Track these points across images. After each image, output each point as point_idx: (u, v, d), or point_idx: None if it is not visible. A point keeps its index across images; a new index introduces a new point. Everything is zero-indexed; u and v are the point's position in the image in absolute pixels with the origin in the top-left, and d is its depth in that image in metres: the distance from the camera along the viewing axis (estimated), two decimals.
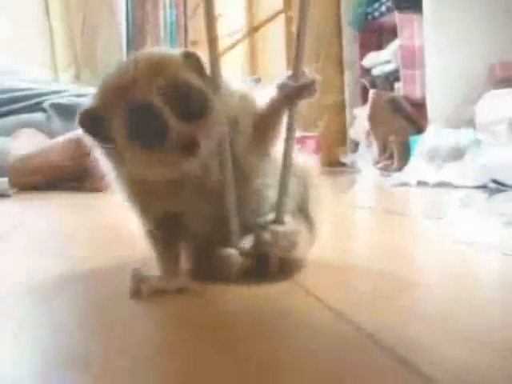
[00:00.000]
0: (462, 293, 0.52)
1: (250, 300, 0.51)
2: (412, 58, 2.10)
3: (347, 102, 2.45)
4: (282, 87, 0.52)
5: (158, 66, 0.48)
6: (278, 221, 0.54)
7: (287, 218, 0.54)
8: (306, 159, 0.61)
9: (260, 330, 0.43)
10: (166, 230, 0.55)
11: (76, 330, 0.44)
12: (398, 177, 1.58)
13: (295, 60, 0.52)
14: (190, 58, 0.50)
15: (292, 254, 0.54)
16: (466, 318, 0.44)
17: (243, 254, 0.53)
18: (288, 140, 0.54)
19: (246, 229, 0.54)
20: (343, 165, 2.18)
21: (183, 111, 0.47)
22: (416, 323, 0.43)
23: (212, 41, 0.50)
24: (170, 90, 0.47)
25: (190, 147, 0.47)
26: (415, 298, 0.52)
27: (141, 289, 0.51)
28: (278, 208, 0.54)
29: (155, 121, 0.46)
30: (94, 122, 0.49)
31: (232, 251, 0.53)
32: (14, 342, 0.42)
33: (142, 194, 0.54)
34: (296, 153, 0.56)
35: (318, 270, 0.59)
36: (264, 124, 0.54)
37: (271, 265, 0.55)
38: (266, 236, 0.52)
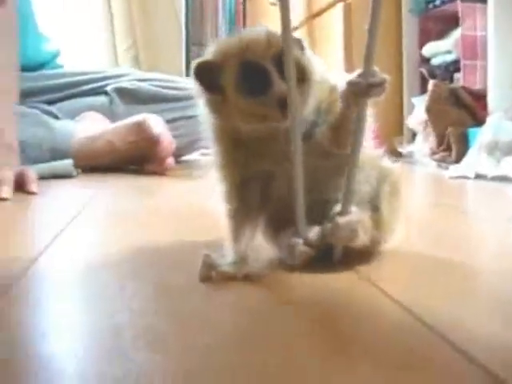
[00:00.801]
0: None
1: (312, 289, 0.53)
2: (473, 49, 2.07)
3: (405, 91, 2.43)
4: (351, 84, 0.54)
5: (274, 39, 0.54)
6: (343, 211, 0.56)
7: (353, 209, 0.56)
8: (388, 161, 0.63)
9: (321, 322, 0.45)
10: (247, 199, 0.59)
11: (150, 312, 0.47)
12: (455, 169, 1.57)
13: (366, 58, 0.54)
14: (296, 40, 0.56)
15: (354, 243, 0.56)
16: None
17: (307, 243, 0.56)
18: (356, 134, 0.55)
19: (320, 215, 0.57)
20: (400, 155, 2.17)
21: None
22: (493, 324, 0.43)
23: (285, 28, 0.52)
24: (280, 60, 0.53)
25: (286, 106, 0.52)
26: (489, 293, 0.53)
27: (211, 275, 0.54)
28: (344, 198, 0.56)
29: (263, 78, 0.53)
30: (207, 72, 0.55)
31: (297, 240, 0.56)
32: (89, 319, 0.45)
33: (233, 149, 0.58)
34: (378, 151, 0.62)
35: (383, 261, 0.61)
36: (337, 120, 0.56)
37: (334, 255, 0.58)
38: (329, 226, 0.55)
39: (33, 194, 1.27)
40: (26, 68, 1.92)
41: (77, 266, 0.64)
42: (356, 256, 0.58)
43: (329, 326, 0.43)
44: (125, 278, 0.57)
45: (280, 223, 0.59)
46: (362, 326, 0.43)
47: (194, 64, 0.56)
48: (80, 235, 0.83)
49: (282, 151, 0.56)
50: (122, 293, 0.52)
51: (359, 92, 0.53)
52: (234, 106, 0.55)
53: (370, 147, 0.61)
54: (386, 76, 0.54)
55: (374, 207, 0.59)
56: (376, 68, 0.55)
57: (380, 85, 0.53)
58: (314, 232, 0.56)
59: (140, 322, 0.44)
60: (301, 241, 0.56)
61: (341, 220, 0.54)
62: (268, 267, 0.59)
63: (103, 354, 0.38)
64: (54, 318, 0.47)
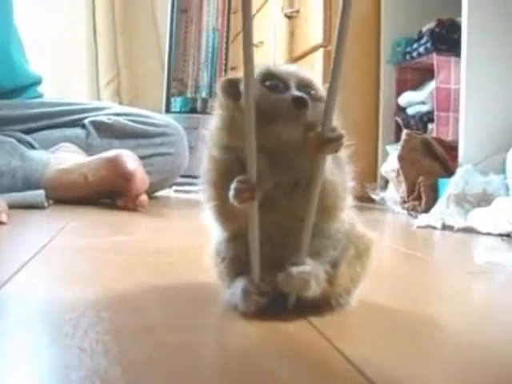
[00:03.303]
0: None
1: (259, 336, 0.53)
2: (447, 101, 2.12)
3: (380, 139, 2.47)
4: (309, 139, 0.55)
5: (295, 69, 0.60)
6: (298, 262, 0.57)
7: (308, 261, 0.58)
8: (363, 228, 0.64)
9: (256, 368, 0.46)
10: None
11: (100, 353, 0.47)
12: (423, 218, 1.59)
13: (325, 113, 0.55)
14: None
15: (305, 293, 0.57)
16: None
17: (260, 291, 0.57)
18: (312, 188, 0.57)
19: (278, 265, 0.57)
20: (373, 201, 2.19)
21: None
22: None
23: (247, 62, 0.54)
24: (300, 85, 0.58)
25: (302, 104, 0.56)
26: (436, 345, 0.54)
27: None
28: (299, 249, 0.57)
29: (282, 85, 0.58)
30: (233, 86, 0.59)
31: (250, 288, 0.57)
32: (38, 357, 0.46)
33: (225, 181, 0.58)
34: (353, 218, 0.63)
35: (339, 314, 0.61)
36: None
37: (288, 303, 0.59)
38: (282, 275, 0.56)
39: (1, 223, 1.27)
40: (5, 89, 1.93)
41: (36, 299, 0.64)
42: (311, 308, 0.59)
43: (265, 374, 0.44)
44: (81, 315, 0.58)
45: (242, 266, 0.60)
46: (300, 375, 0.44)
47: (221, 80, 0.61)
48: (43, 269, 0.84)
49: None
50: (74, 331, 0.52)
51: (315, 147, 0.54)
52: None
53: (349, 211, 0.63)
54: (343, 132, 0.55)
55: (333, 264, 0.60)
56: (335, 123, 0.56)
57: (336, 140, 0.55)
58: (267, 280, 0.57)
59: (89, 363, 0.44)
60: (254, 288, 0.57)
61: (294, 269, 0.56)
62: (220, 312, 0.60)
63: None
64: (2, 354, 0.47)
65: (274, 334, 0.54)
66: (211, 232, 0.64)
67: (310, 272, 0.56)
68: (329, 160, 0.58)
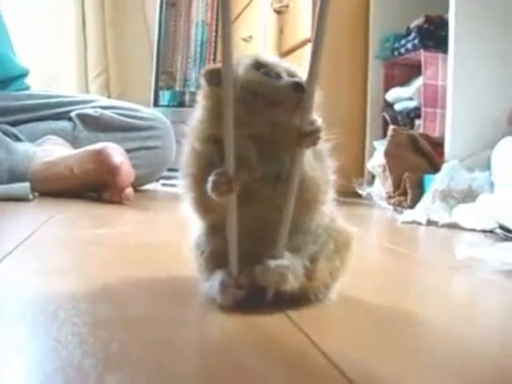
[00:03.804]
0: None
1: (234, 330, 0.54)
2: (434, 97, 2.12)
3: (368, 134, 2.48)
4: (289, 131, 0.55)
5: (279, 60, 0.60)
6: (276, 256, 0.57)
7: (287, 255, 0.58)
8: (343, 223, 0.64)
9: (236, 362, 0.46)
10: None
11: (76, 345, 0.47)
12: (408, 214, 1.60)
13: (304, 107, 0.55)
14: None
15: (282, 287, 0.57)
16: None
17: (238, 284, 0.57)
18: (290, 183, 0.57)
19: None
20: (359, 196, 2.20)
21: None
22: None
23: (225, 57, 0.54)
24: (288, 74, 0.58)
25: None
26: (417, 342, 0.54)
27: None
28: (277, 243, 0.57)
29: (274, 72, 0.58)
30: (215, 77, 0.57)
31: (228, 281, 0.57)
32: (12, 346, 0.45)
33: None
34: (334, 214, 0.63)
35: (319, 308, 0.61)
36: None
37: (266, 297, 0.59)
38: (259, 268, 0.56)
39: None
40: None
41: (15, 291, 0.64)
42: (289, 301, 0.59)
43: (242, 369, 0.44)
44: (59, 307, 0.57)
45: (222, 259, 0.60)
46: (276, 370, 0.44)
47: (205, 69, 0.60)
48: (24, 261, 0.83)
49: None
50: (52, 322, 0.52)
51: (294, 140, 0.54)
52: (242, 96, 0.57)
53: (329, 206, 0.63)
54: (322, 125, 0.55)
55: (312, 259, 0.60)
56: (316, 117, 0.56)
57: (314, 134, 0.55)
58: (245, 273, 0.57)
59: (64, 355, 0.44)
60: (232, 282, 0.57)
61: (271, 263, 0.56)
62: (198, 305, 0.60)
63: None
64: None
65: (252, 328, 0.54)
66: (191, 224, 0.64)
67: (287, 266, 0.56)
68: (309, 154, 0.58)
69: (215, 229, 0.60)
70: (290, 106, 0.56)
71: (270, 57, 0.61)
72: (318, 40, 0.55)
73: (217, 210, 0.57)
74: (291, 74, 0.59)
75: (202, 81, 0.60)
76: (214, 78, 0.58)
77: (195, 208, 0.60)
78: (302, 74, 0.60)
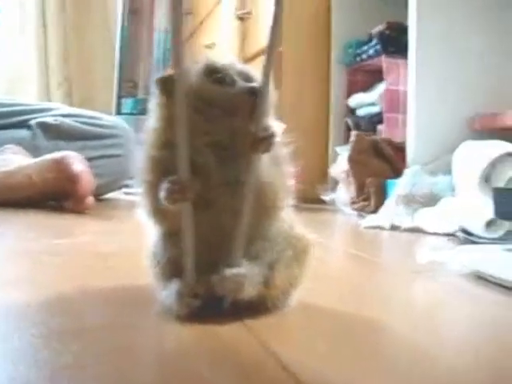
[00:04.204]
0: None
1: (191, 339, 0.52)
2: (396, 103, 2.14)
3: (330, 140, 2.48)
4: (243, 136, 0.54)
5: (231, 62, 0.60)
6: (232, 264, 0.56)
7: (244, 263, 0.57)
8: (302, 229, 0.63)
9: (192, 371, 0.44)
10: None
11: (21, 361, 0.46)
12: (371, 219, 1.60)
13: (257, 112, 0.55)
14: None
15: (239, 295, 0.56)
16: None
17: (194, 293, 0.56)
18: (246, 189, 0.56)
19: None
20: (323, 202, 2.20)
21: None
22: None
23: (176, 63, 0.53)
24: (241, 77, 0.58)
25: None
26: (377, 349, 0.54)
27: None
28: (234, 252, 0.57)
29: (226, 78, 0.57)
30: (168, 84, 0.57)
31: (184, 290, 0.56)
32: None
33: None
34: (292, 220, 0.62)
35: (277, 316, 0.60)
36: None
37: (223, 305, 0.58)
38: (216, 277, 0.55)
39: None
40: None
41: None
42: (247, 309, 0.58)
43: (197, 379, 0.43)
44: (13, 319, 0.56)
45: (178, 268, 0.58)
46: (231, 380, 0.43)
47: (157, 77, 0.59)
48: None
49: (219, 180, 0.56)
50: (3, 334, 0.52)
51: (247, 146, 0.54)
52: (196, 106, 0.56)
53: (288, 212, 0.62)
54: (275, 131, 0.54)
55: (270, 266, 0.59)
56: (270, 122, 0.56)
57: (268, 139, 0.54)
58: (201, 282, 0.56)
59: (14, 368, 0.43)
60: (187, 291, 0.56)
61: (228, 272, 0.55)
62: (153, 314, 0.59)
63: None
64: None
65: (208, 337, 0.53)
66: (147, 231, 0.62)
67: (244, 274, 0.55)
68: (266, 159, 0.57)
69: (171, 236, 0.59)
70: (247, 112, 0.55)
71: (221, 59, 0.60)
72: (270, 45, 0.54)
73: (172, 217, 0.56)
74: (245, 77, 0.58)
75: (155, 89, 0.59)
76: (168, 86, 0.57)
77: (150, 215, 0.59)
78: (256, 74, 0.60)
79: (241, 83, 0.57)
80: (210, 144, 0.56)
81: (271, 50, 0.54)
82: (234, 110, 0.55)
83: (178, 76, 0.53)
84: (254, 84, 0.56)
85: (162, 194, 0.54)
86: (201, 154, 0.55)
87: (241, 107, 0.55)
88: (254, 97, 0.55)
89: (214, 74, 0.57)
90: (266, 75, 0.55)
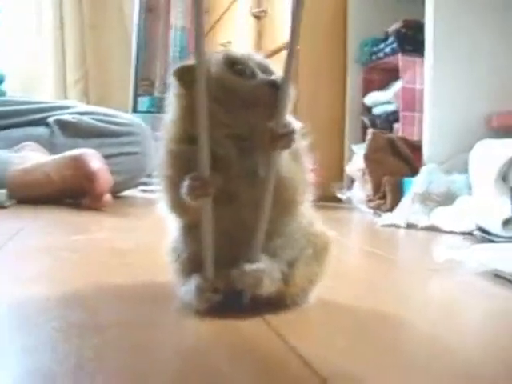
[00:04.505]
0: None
1: (210, 334, 0.53)
2: (412, 101, 2.13)
3: (347, 138, 2.47)
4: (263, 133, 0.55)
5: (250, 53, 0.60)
6: (252, 259, 0.56)
7: (263, 258, 0.57)
8: (321, 226, 0.64)
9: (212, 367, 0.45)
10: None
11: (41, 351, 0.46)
12: (387, 217, 1.60)
13: (277, 110, 0.55)
14: None
15: (259, 290, 0.56)
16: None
17: (214, 288, 0.56)
18: (266, 183, 0.56)
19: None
20: (339, 200, 2.19)
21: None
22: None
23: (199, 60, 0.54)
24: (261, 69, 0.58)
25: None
26: (396, 344, 0.54)
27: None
28: (253, 247, 0.57)
29: (247, 69, 0.57)
30: (187, 75, 0.56)
31: (204, 285, 0.56)
32: None
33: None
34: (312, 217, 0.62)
35: (297, 312, 0.60)
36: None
37: (243, 300, 0.58)
38: (236, 272, 0.55)
39: None
40: None
41: None
42: (266, 305, 0.59)
43: (217, 374, 0.43)
44: (33, 315, 0.56)
45: (198, 264, 0.59)
46: (251, 375, 0.43)
47: (176, 68, 0.58)
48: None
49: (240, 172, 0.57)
50: (25, 329, 0.52)
51: (267, 142, 0.54)
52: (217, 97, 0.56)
53: (307, 209, 0.62)
54: (295, 127, 0.55)
55: (290, 264, 0.59)
56: (290, 119, 0.56)
57: (288, 136, 0.54)
58: (221, 277, 0.56)
59: (34, 361, 0.43)
60: (207, 285, 0.56)
61: (247, 267, 0.55)
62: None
63: None
64: None
65: (227, 332, 0.53)
66: (168, 225, 0.63)
67: (263, 269, 0.56)
68: (285, 154, 0.57)
69: (192, 230, 0.59)
70: (267, 104, 0.55)
71: (241, 51, 0.60)
72: (292, 42, 0.54)
73: (193, 211, 0.57)
74: (263, 69, 0.58)
75: (173, 80, 0.59)
76: (186, 76, 0.57)
77: (171, 209, 0.59)
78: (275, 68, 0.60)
79: (261, 75, 0.57)
80: (229, 136, 0.56)
81: (292, 47, 0.54)
82: (254, 101, 0.56)
83: (199, 64, 0.53)
84: (275, 77, 0.56)
85: (184, 191, 0.54)
86: (221, 145, 0.56)
87: (262, 99, 0.55)
88: (275, 89, 0.55)
89: (235, 64, 0.57)
90: (287, 72, 0.55)
